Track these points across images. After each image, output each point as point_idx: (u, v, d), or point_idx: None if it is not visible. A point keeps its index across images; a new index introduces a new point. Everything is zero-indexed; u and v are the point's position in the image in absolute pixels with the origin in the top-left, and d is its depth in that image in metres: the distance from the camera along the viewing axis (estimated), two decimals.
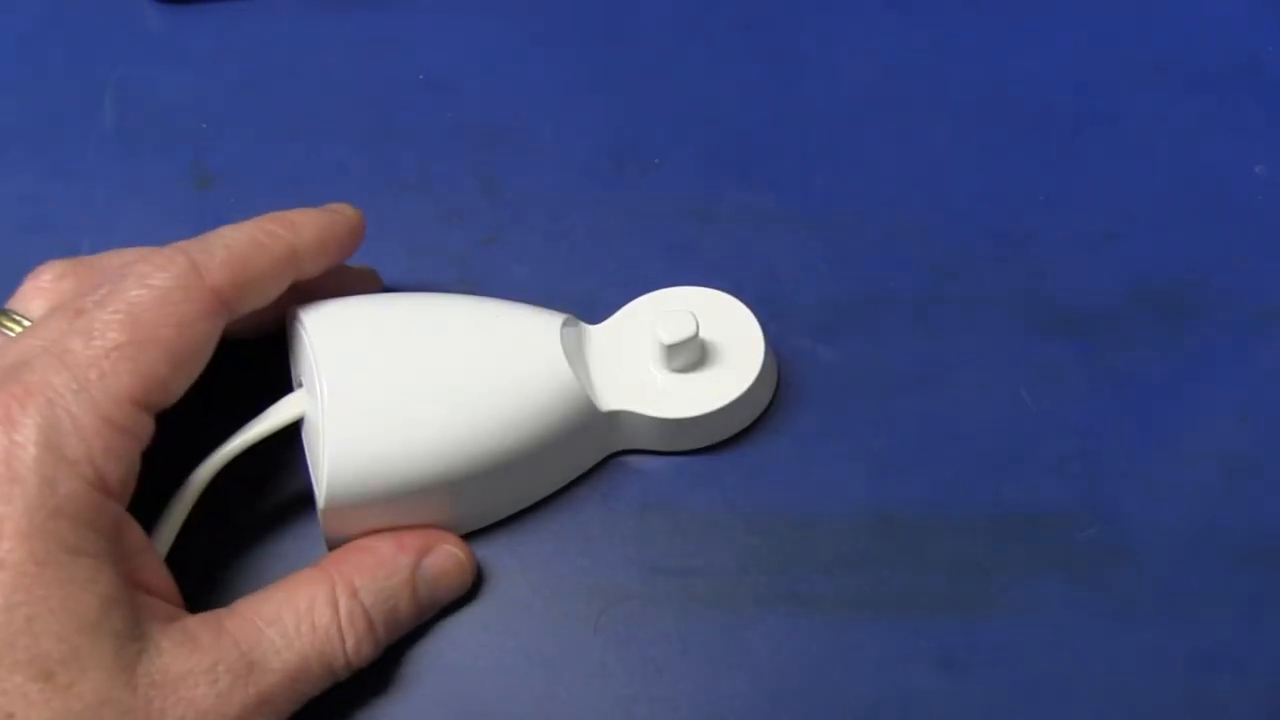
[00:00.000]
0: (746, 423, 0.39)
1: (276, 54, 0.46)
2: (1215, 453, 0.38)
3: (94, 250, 0.42)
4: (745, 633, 0.36)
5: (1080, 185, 0.43)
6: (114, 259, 0.36)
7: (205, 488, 0.34)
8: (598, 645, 0.36)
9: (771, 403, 0.39)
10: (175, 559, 0.34)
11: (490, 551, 0.37)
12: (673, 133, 0.44)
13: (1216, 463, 0.38)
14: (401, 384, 0.34)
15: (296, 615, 0.32)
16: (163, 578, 0.32)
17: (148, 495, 0.33)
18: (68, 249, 0.42)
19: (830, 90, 0.45)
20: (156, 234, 0.42)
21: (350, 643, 0.33)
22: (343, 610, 0.33)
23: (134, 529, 0.31)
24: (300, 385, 0.36)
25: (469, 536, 0.37)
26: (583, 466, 0.38)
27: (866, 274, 0.41)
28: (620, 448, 0.38)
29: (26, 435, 0.29)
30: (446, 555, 0.36)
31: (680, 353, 0.37)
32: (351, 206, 0.37)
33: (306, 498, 0.37)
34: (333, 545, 0.36)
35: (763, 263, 0.42)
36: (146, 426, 0.31)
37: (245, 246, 0.34)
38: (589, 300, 0.40)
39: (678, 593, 0.37)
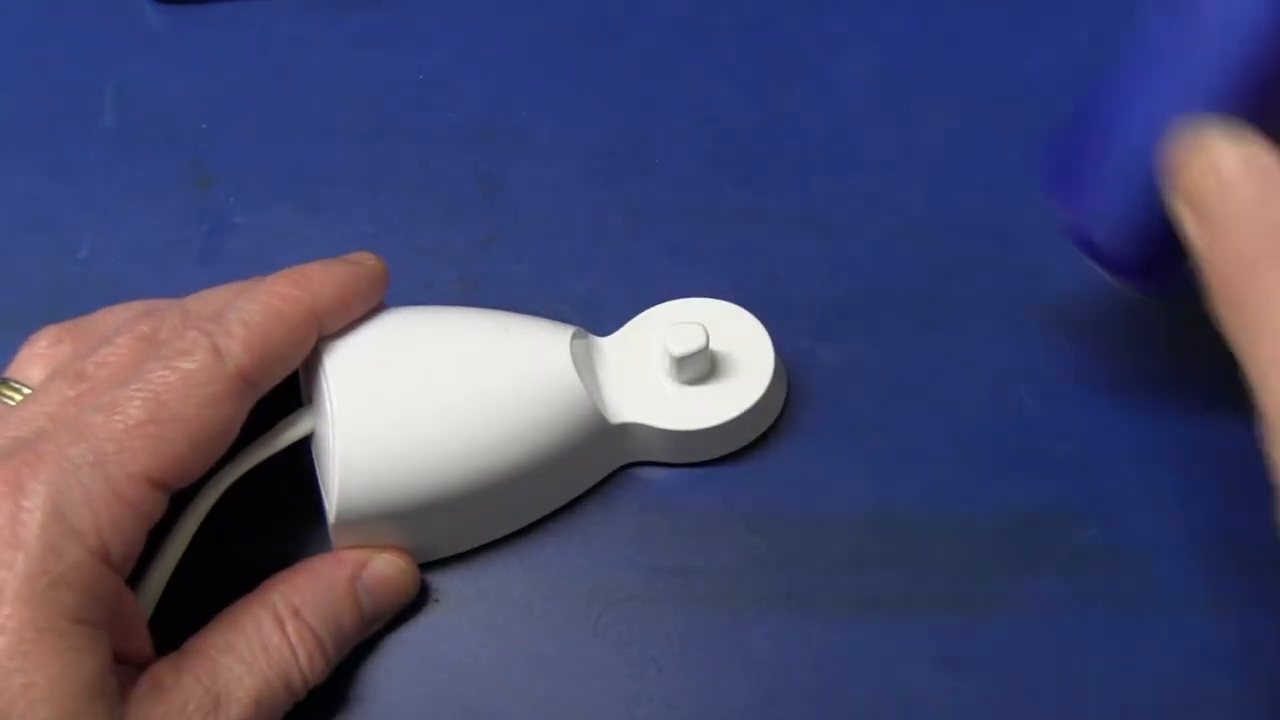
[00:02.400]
0: (756, 434, 0.39)
1: (276, 54, 0.46)
2: (1215, 453, 0.38)
3: (94, 251, 0.42)
4: (745, 633, 0.36)
5: None
6: (108, 318, 0.36)
7: (215, 502, 0.34)
8: (598, 645, 0.36)
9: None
10: (184, 575, 0.34)
11: (490, 551, 0.37)
12: (673, 133, 0.44)
13: (1216, 463, 0.38)
14: (411, 399, 0.34)
15: (248, 640, 0.33)
16: (146, 643, 0.32)
17: None
18: (68, 249, 0.42)
19: (830, 90, 0.45)
20: (156, 234, 0.43)
21: (303, 659, 0.33)
22: (290, 629, 0.33)
23: (129, 598, 0.31)
24: (309, 401, 0.36)
25: (478, 549, 0.37)
26: (592, 480, 0.38)
27: (866, 274, 0.41)
28: (630, 460, 0.38)
29: (35, 502, 0.29)
30: (385, 563, 0.35)
31: (690, 364, 0.37)
32: (373, 256, 0.36)
33: (316, 512, 0.37)
34: None
35: (763, 263, 0.42)
36: (158, 505, 0.31)
37: (264, 319, 0.33)
38: (589, 301, 0.40)
39: (678, 593, 0.37)
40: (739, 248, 0.42)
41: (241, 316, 0.33)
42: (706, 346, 0.36)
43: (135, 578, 0.33)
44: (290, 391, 0.37)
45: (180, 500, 0.34)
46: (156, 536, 0.33)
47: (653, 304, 0.39)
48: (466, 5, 0.47)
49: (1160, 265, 0.34)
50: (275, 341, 0.33)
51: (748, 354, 0.38)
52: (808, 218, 0.43)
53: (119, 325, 0.34)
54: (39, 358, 0.35)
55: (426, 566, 0.37)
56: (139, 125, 0.45)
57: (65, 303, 0.41)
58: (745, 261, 0.41)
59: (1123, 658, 0.36)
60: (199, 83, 0.45)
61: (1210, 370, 0.40)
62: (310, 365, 0.35)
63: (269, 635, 0.33)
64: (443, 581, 0.37)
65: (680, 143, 0.44)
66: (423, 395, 0.35)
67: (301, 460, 0.37)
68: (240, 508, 0.36)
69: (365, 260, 0.36)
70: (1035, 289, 0.41)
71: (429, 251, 0.42)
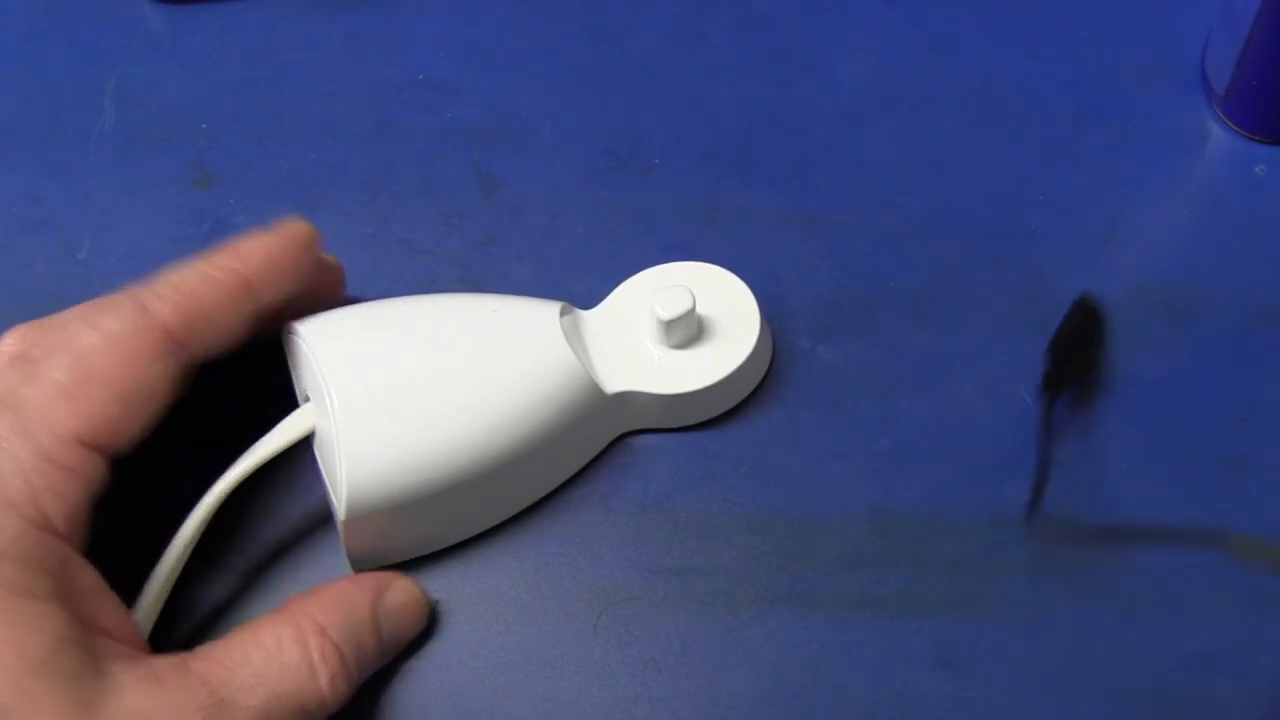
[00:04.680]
0: (747, 392, 0.39)
1: (276, 54, 0.46)
2: (1215, 453, 0.38)
3: (94, 250, 0.42)
4: (745, 633, 0.36)
5: (1080, 185, 0.43)
6: (71, 314, 0.35)
7: (219, 508, 0.34)
8: (598, 645, 0.36)
9: (771, 400, 0.39)
10: (190, 581, 0.34)
11: (490, 552, 0.37)
12: (673, 133, 0.44)
13: (1216, 463, 0.38)
14: (410, 387, 0.35)
15: (265, 654, 0.32)
16: (121, 619, 0.31)
17: (158, 519, 0.33)
18: (68, 249, 0.42)
19: (830, 90, 0.45)
20: (156, 234, 0.43)
21: (325, 680, 0.32)
22: (313, 648, 0.32)
23: (86, 570, 0.31)
24: (306, 400, 0.36)
25: (469, 541, 0.37)
26: (592, 452, 0.38)
27: (866, 274, 0.41)
28: (627, 429, 0.39)
29: None
30: (403, 590, 0.35)
31: (678, 328, 0.37)
32: (301, 220, 0.37)
33: (322, 512, 0.37)
34: (354, 559, 0.36)
35: (763, 263, 0.41)
36: (95, 467, 0.31)
37: (193, 283, 0.34)
38: (589, 301, 0.40)
39: (678, 593, 0.37)
40: (738, 247, 0.42)
41: (172, 281, 0.34)
42: (694, 308, 0.36)
43: (140, 583, 0.33)
44: (288, 392, 0.37)
45: (184, 505, 0.34)
46: (160, 542, 0.33)
47: None
48: (466, 5, 0.47)
49: None
50: (206, 304, 0.33)
51: (731, 313, 0.38)
52: (807, 217, 0.43)
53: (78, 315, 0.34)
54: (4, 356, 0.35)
55: (427, 566, 0.37)
56: (139, 125, 0.45)
57: (65, 303, 0.40)
58: (745, 261, 0.41)
59: (1123, 658, 0.36)
60: (199, 83, 0.45)
61: (1210, 370, 0.40)
62: (303, 364, 0.35)
63: (289, 652, 0.32)
64: (443, 581, 0.37)
65: (680, 142, 0.44)
66: (421, 383, 0.35)
67: (303, 460, 0.37)
68: (244, 511, 0.36)
69: (293, 226, 0.36)
70: (1035, 289, 0.41)
71: (429, 251, 0.42)
